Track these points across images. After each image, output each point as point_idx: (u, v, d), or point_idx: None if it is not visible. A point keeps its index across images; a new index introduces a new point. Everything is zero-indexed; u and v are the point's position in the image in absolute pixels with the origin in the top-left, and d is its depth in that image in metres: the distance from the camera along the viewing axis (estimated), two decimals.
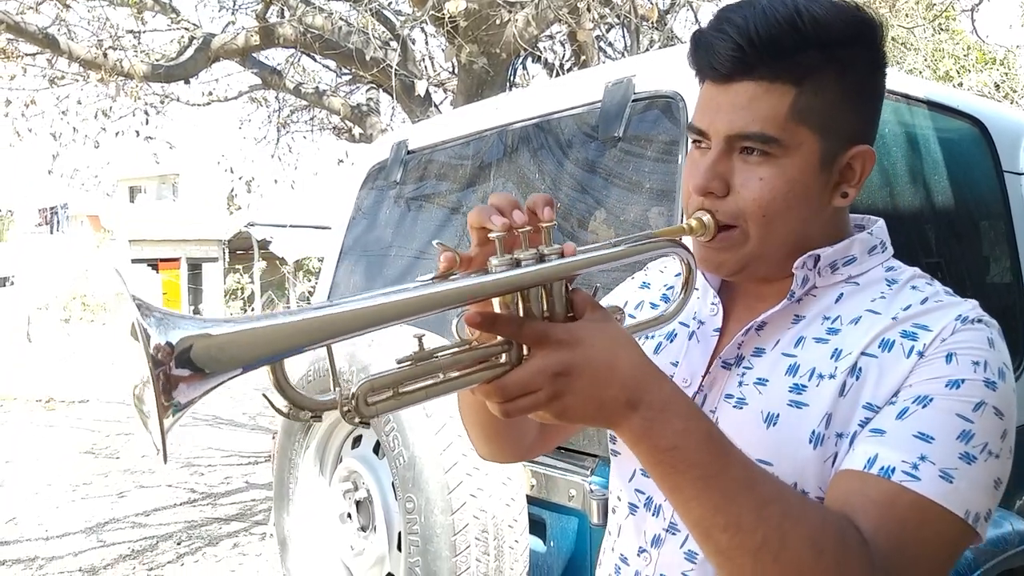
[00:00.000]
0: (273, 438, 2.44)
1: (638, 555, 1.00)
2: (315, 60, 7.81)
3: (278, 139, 9.26)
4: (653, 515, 0.99)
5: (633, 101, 1.91)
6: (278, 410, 0.72)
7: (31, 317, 21.72)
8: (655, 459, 0.75)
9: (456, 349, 0.77)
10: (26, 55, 6.69)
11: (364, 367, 1.88)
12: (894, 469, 0.78)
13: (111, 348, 17.04)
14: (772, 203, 0.90)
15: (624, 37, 7.08)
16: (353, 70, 6.65)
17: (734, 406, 0.93)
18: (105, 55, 6.26)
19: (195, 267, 28.70)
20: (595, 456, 1.78)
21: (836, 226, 0.96)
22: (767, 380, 0.92)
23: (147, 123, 7.90)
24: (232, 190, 9.70)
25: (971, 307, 0.88)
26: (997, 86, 10.51)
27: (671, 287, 1.10)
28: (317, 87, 7.68)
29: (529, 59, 6.76)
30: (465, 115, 2.64)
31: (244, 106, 9.14)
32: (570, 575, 1.80)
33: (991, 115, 2.33)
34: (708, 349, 0.99)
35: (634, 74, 1.93)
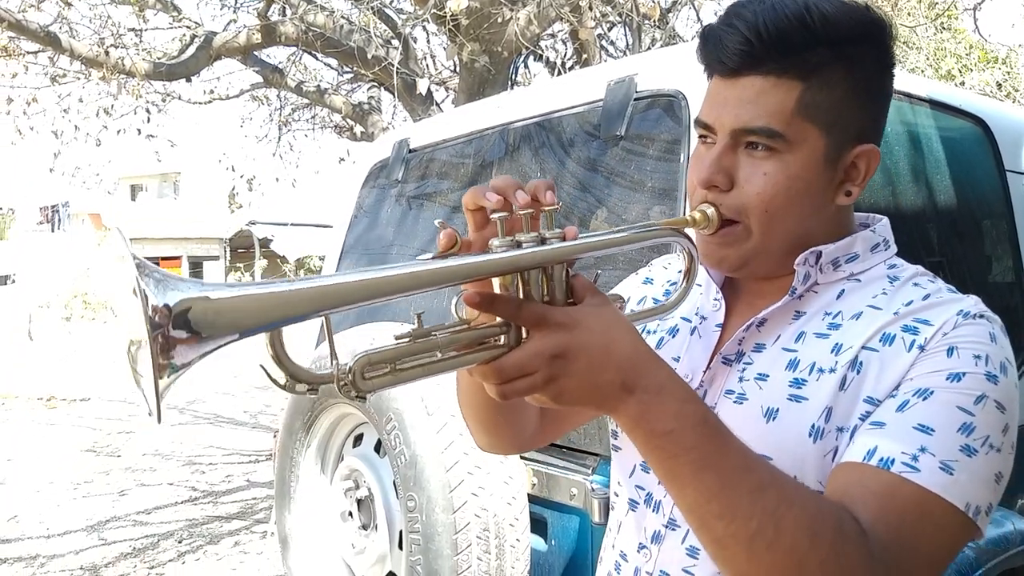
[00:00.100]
0: (274, 436, 2.44)
1: (638, 551, 1.00)
2: (316, 58, 7.81)
3: (279, 137, 9.27)
4: (653, 511, 0.99)
5: (635, 100, 1.90)
6: (275, 381, 0.71)
7: (32, 315, 21.73)
8: (651, 443, 0.76)
9: (454, 328, 0.77)
10: (28, 53, 6.69)
11: None
12: (893, 460, 0.78)
13: (112, 346, 17.05)
14: (775, 199, 0.90)
15: (626, 35, 7.09)
16: (355, 68, 6.65)
17: (734, 402, 0.93)
18: (107, 53, 6.26)
19: (196, 265, 28.74)
20: (596, 455, 1.78)
21: (839, 224, 0.96)
22: (767, 375, 0.92)
23: (148, 121, 7.92)
24: (233, 188, 9.71)
25: (973, 303, 0.88)
26: (999, 85, 10.50)
27: (674, 283, 1.10)
28: (319, 85, 7.68)
29: (531, 57, 6.75)
30: (467, 114, 2.64)
31: (245, 104, 9.15)
32: (571, 574, 1.80)
33: (993, 114, 2.33)
34: (710, 345, 0.99)
35: (636, 73, 1.93)
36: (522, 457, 1.86)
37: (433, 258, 0.76)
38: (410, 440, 1.76)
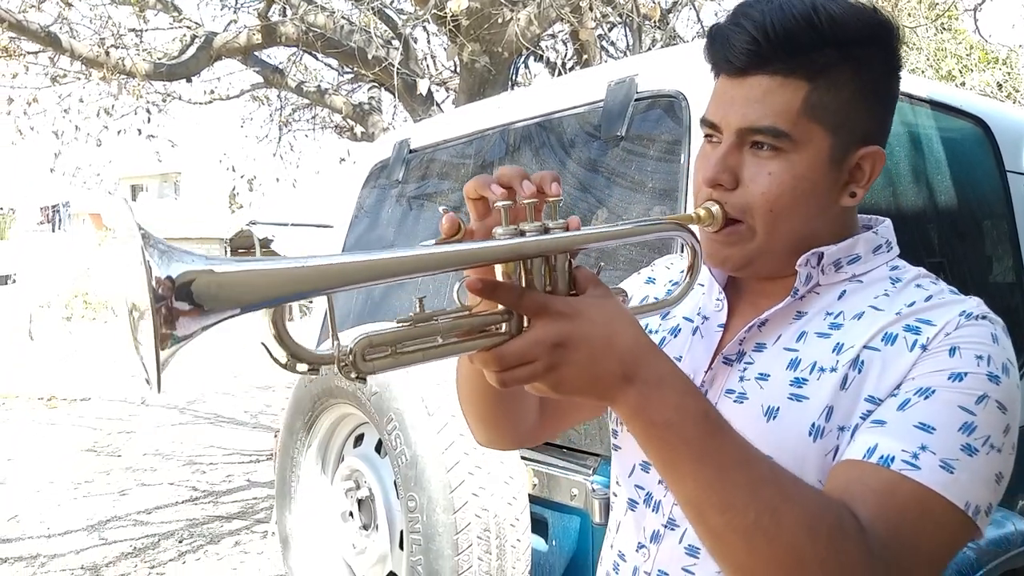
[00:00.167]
0: (275, 436, 2.44)
1: (636, 551, 1.00)
2: (317, 59, 7.81)
3: (280, 137, 9.27)
4: (652, 511, 0.99)
5: (636, 100, 1.90)
6: (276, 360, 0.72)
7: (33, 315, 21.75)
8: (650, 434, 0.76)
9: (456, 314, 0.78)
10: (28, 53, 6.69)
11: None
12: (894, 458, 0.78)
13: (113, 345, 17.06)
14: (780, 198, 0.90)
15: (626, 36, 7.08)
16: (355, 69, 6.65)
17: (735, 401, 0.93)
18: (107, 53, 6.26)
19: None
20: (597, 455, 1.78)
21: (843, 225, 0.96)
22: (768, 375, 0.92)
23: (149, 121, 7.92)
24: (234, 188, 9.69)
25: (975, 304, 0.88)
26: (1000, 85, 10.50)
27: (676, 283, 1.11)
28: (319, 86, 7.68)
29: (531, 58, 6.75)
30: (467, 114, 2.64)
31: (246, 104, 9.15)
32: (572, 574, 1.80)
33: (994, 115, 2.33)
34: (711, 345, 0.99)
35: (637, 73, 1.93)
36: (523, 457, 1.86)
37: (436, 243, 0.77)
38: (411, 440, 1.76)
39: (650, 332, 1.07)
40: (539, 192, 0.79)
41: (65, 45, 6.16)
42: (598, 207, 1.95)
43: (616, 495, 1.08)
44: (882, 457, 0.79)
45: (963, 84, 10.07)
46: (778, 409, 0.89)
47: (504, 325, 0.77)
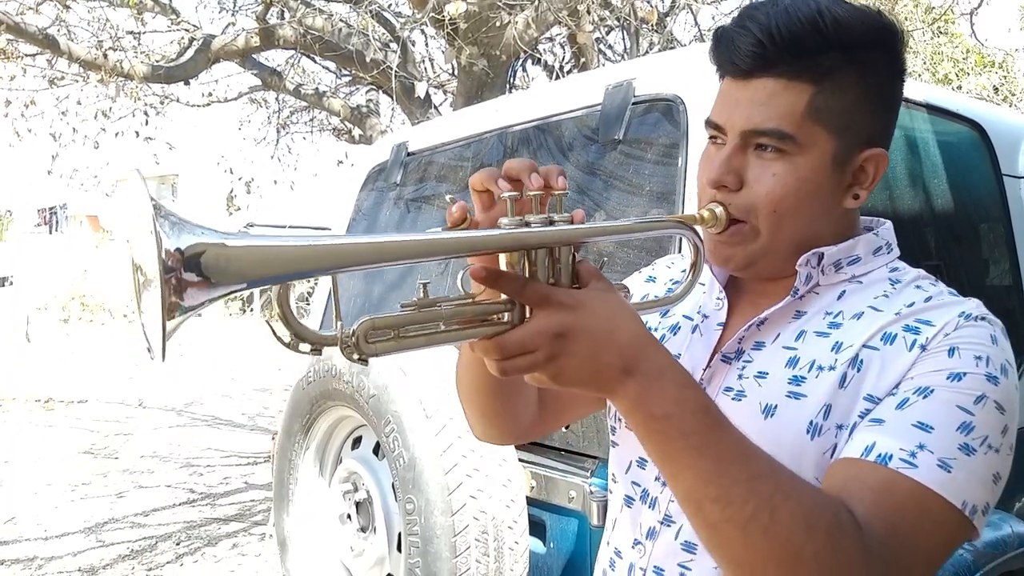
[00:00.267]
0: (273, 438, 2.44)
1: (632, 547, 1.00)
2: (315, 61, 7.82)
3: (278, 140, 9.26)
4: (649, 507, 1.00)
5: (633, 104, 1.91)
6: (280, 339, 0.73)
7: (30, 317, 21.70)
8: (649, 427, 0.76)
9: (459, 301, 0.78)
10: (26, 56, 6.69)
11: (364, 368, 1.88)
12: (892, 456, 0.78)
13: (110, 348, 17.04)
14: (783, 199, 0.91)
15: (624, 39, 7.09)
16: (353, 71, 6.65)
17: (733, 399, 0.94)
18: (105, 56, 6.26)
19: None
20: (595, 458, 1.79)
21: (845, 227, 0.97)
22: (767, 373, 0.93)
23: (147, 124, 7.89)
24: (232, 191, 9.68)
25: (975, 305, 0.88)
26: (996, 89, 10.52)
27: (677, 282, 1.12)
28: (317, 88, 7.67)
29: (529, 61, 6.76)
30: (465, 117, 2.65)
31: (244, 107, 9.15)
32: None
33: (990, 118, 2.33)
34: (710, 343, 1.00)
35: (634, 77, 1.93)
36: (521, 460, 1.86)
37: (443, 231, 0.78)
38: (409, 442, 1.77)
39: (650, 329, 1.07)
40: (545, 185, 0.80)
41: (63, 47, 6.16)
42: (596, 210, 1.95)
43: (613, 492, 1.09)
44: (880, 455, 0.79)
45: (959, 88, 10.09)
46: (776, 407, 0.90)
47: (506, 315, 0.77)
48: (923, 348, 0.84)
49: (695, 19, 6.35)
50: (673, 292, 0.98)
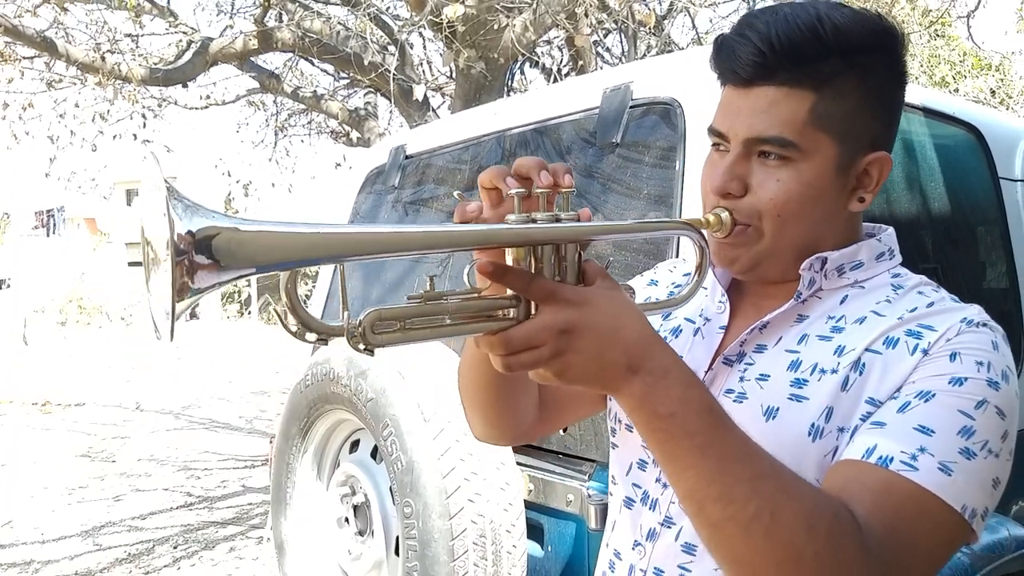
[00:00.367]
0: (270, 442, 2.44)
1: (632, 549, 1.01)
2: (313, 64, 7.81)
3: (275, 143, 9.25)
4: (649, 509, 1.00)
5: (631, 107, 1.91)
6: (287, 328, 0.74)
7: (27, 320, 21.69)
8: (653, 425, 0.76)
9: (465, 295, 0.79)
10: (24, 58, 6.69)
11: (362, 371, 1.89)
12: (892, 459, 0.79)
13: (107, 350, 17.01)
14: (788, 204, 0.91)
15: (622, 42, 7.10)
16: (351, 74, 6.66)
17: (734, 401, 0.94)
18: (103, 58, 6.26)
19: None
20: (593, 461, 1.79)
21: (849, 231, 0.97)
22: (768, 375, 0.93)
23: (144, 126, 7.89)
24: (229, 193, 9.67)
25: (977, 311, 0.89)
26: (993, 92, 10.55)
27: (679, 285, 1.12)
28: (315, 91, 7.67)
29: (527, 64, 6.77)
30: (463, 120, 2.65)
31: (242, 110, 9.14)
32: None
33: (987, 121, 2.34)
34: (712, 346, 1.00)
35: (632, 80, 1.93)
36: (519, 463, 1.86)
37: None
38: (406, 446, 1.77)
39: None
40: (552, 183, 0.81)
41: (61, 50, 6.16)
42: (594, 213, 1.95)
43: (613, 494, 1.09)
44: (881, 458, 0.79)
45: (956, 91, 10.11)
46: (778, 409, 0.90)
47: (512, 311, 0.78)
48: (925, 353, 0.85)
49: (693, 22, 6.36)
50: (675, 295, 0.98)
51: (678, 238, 1.65)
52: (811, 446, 0.87)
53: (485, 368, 0.96)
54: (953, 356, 0.83)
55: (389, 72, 5.53)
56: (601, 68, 6.08)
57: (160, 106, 7.98)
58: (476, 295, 0.79)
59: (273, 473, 2.32)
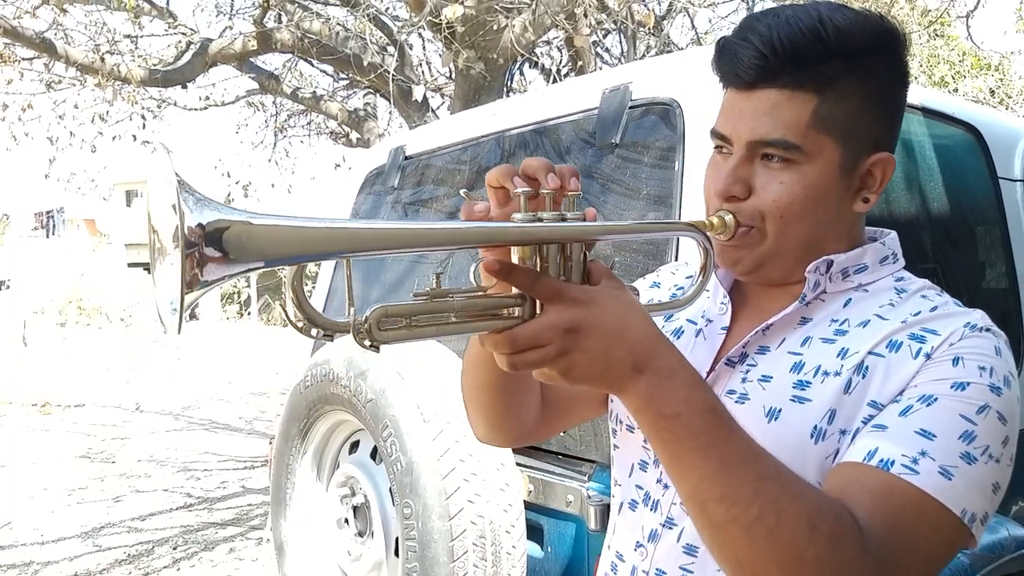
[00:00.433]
0: (270, 443, 2.44)
1: (634, 550, 1.01)
2: (312, 65, 7.81)
3: (275, 143, 9.25)
4: (651, 510, 1.00)
5: (630, 108, 1.91)
6: (293, 324, 0.74)
7: (27, 321, 21.69)
8: (657, 425, 0.76)
9: (471, 293, 0.79)
10: (23, 59, 6.69)
11: (362, 372, 1.88)
12: (893, 462, 0.79)
13: (107, 351, 17.01)
14: (791, 206, 0.91)
15: (621, 43, 7.10)
16: (350, 75, 6.66)
17: (736, 401, 0.94)
18: (102, 59, 6.26)
19: None
20: (593, 462, 1.79)
21: (852, 233, 0.97)
22: (771, 377, 0.93)
23: (144, 127, 7.89)
24: (229, 194, 9.67)
25: (980, 316, 0.89)
26: (992, 92, 10.56)
27: (681, 287, 1.13)
28: (314, 92, 7.68)
29: (526, 64, 6.77)
30: (462, 121, 2.65)
31: (241, 111, 9.14)
32: None
33: (986, 121, 2.34)
34: (714, 347, 1.01)
35: (631, 81, 1.93)
36: (518, 464, 1.86)
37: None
38: (406, 447, 1.77)
39: None
40: (559, 187, 0.81)
41: (60, 51, 6.16)
42: None
43: (615, 496, 1.09)
44: (882, 461, 0.79)
45: (956, 90, 10.12)
46: (780, 410, 0.90)
47: (517, 309, 0.78)
48: (928, 357, 0.85)
49: (692, 23, 6.37)
50: (677, 298, 0.98)
51: (677, 239, 1.65)
52: (813, 448, 0.87)
53: (489, 367, 0.96)
54: (956, 360, 0.83)
55: (388, 73, 5.53)
56: (600, 68, 6.09)
57: (159, 107, 7.98)
58: (482, 293, 0.80)
59: (273, 474, 2.32)
